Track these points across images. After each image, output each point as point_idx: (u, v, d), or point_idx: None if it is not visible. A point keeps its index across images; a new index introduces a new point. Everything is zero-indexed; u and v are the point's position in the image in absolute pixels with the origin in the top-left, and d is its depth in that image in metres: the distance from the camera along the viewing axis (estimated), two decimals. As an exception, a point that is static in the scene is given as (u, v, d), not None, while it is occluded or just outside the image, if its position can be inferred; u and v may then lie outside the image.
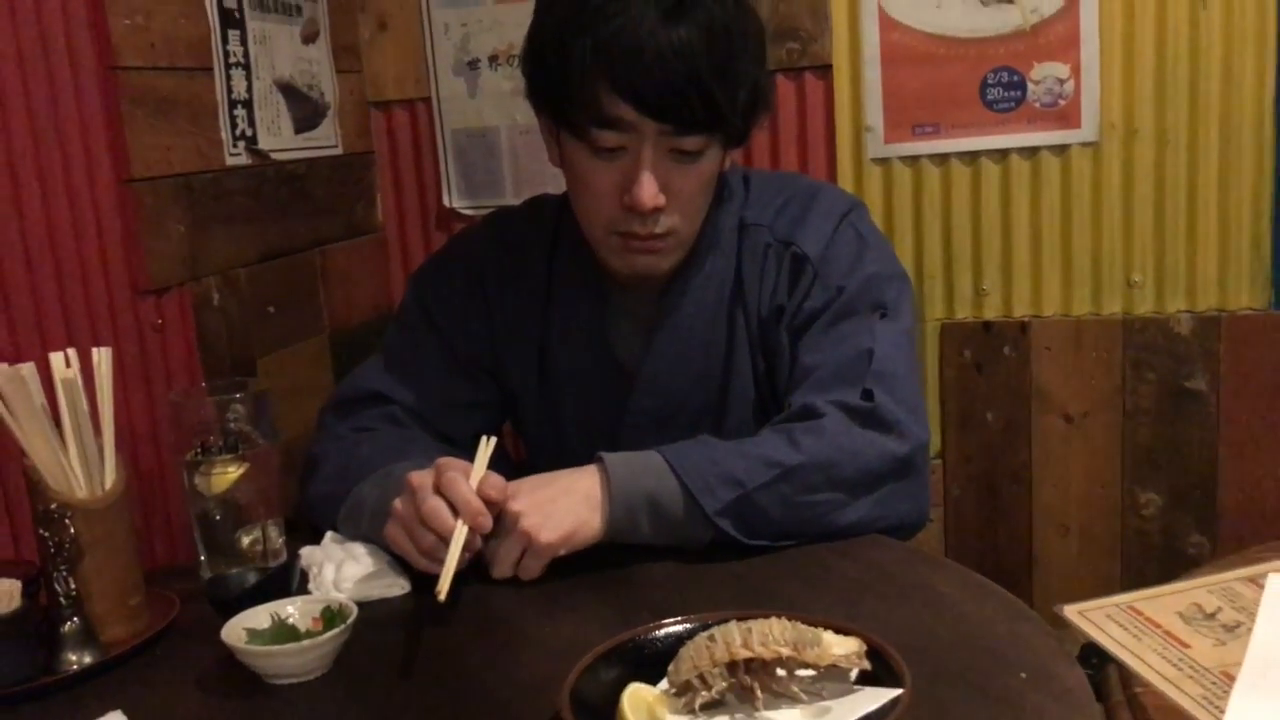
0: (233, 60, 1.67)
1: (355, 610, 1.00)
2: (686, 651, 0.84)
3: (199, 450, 1.15)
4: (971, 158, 1.94)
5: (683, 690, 0.83)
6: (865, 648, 0.84)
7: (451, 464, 1.09)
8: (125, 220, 1.44)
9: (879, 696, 0.81)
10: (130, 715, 0.91)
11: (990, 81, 1.90)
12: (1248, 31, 1.80)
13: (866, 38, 1.92)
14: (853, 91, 1.95)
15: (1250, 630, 0.93)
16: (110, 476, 1.09)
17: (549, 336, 1.38)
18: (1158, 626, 0.97)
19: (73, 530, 1.04)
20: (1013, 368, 1.97)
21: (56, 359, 1.08)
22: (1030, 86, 1.89)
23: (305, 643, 0.96)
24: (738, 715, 0.83)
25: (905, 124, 1.94)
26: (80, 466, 1.07)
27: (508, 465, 1.41)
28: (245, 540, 1.17)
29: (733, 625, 0.84)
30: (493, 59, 2.08)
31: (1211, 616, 0.98)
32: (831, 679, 0.85)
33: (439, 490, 1.07)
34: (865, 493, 1.17)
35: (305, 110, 1.88)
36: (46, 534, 1.04)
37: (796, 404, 1.21)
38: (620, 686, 0.83)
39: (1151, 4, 1.83)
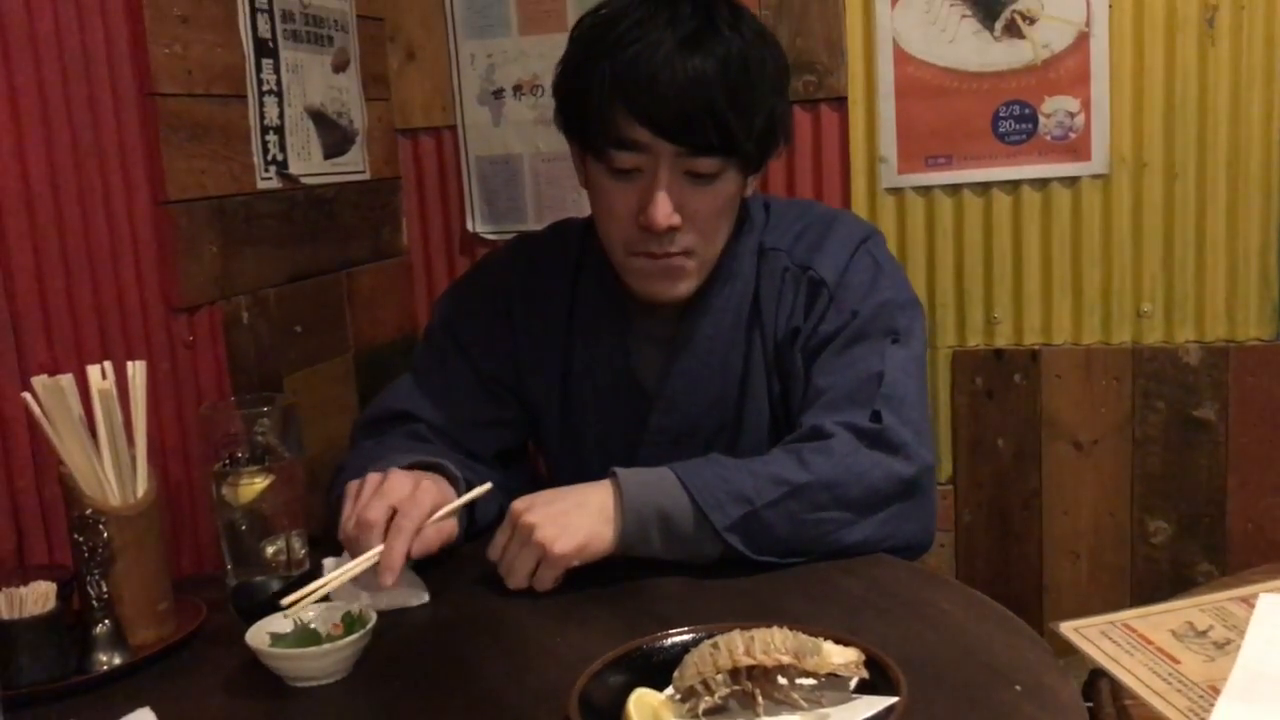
0: (266, 88, 1.72)
1: (374, 617, 1.03)
2: (691, 658, 0.87)
3: (227, 462, 1.19)
4: (983, 189, 1.97)
5: (687, 696, 0.86)
6: (864, 657, 0.87)
7: (417, 504, 1.14)
8: (160, 241, 1.49)
9: (876, 704, 0.84)
10: (158, 714, 0.95)
11: (1002, 114, 1.93)
12: (1255, 67, 1.83)
13: (881, 71, 1.96)
14: (867, 123, 1.99)
15: (1240, 648, 0.96)
16: (142, 485, 1.13)
17: (571, 357, 1.42)
18: (1150, 643, 0.99)
19: (105, 536, 1.07)
20: (1023, 395, 1.99)
21: (93, 372, 1.12)
22: (1041, 120, 1.92)
23: (326, 646, 1.00)
24: (739, 720, 0.86)
25: (919, 155, 1.98)
26: (114, 475, 1.11)
27: (530, 480, 1.45)
28: (269, 550, 1.20)
29: (735, 633, 0.86)
30: (517, 89, 2.13)
31: (1203, 634, 1.00)
32: (831, 687, 0.88)
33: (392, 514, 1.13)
34: (871, 513, 1.19)
35: (335, 136, 1.93)
36: (80, 539, 1.07)
37: (807, 425, 1.24)
38: (627, 692, 0.86)
39: (1161, 39, 1.86)
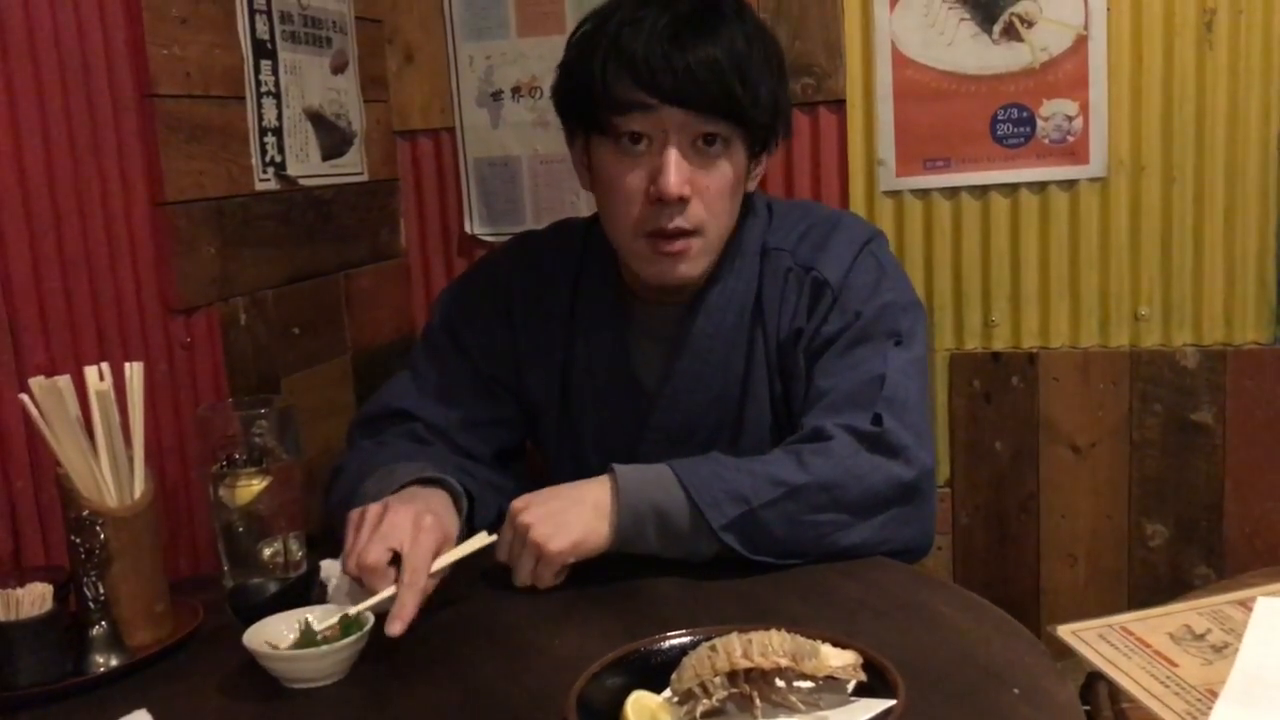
0: (264, 89, 1.72)
1: (372, 619, 1.03)
2: (689, 661, 0.87)
3: (224, 463, 1.19)
4: (981, 192, 1.97)
5: (685, 698, 0.86)
6: (862, 660, 0.87)
7: (420, 549, 1.09)
8: (158, 242, 1.49)
9: (874, 707, 0.84)
10: (155, 715, 0.95)
11: (1000, 118, 1.94)
12: (1253, 71, 1.84)
13: (880, 74, 1.97)
14: (865, 126, 1.99)
15: (1237, 651, 0.96)
16: (139, 486, 1.13)
17: (572, 356, 1.42)
18: (1148, 646, 0.99)
19: (103, 537, 1.08)
20: (1021, 398, 2.00)
21: (91, 373, 1.12)
22: (1039, 123, 1.92)
23: (323, 649, 1.00)
24: (737, 723, 0.86)
25: (917, 158, 1.98)
26: (111, 476, 1.11)
27: (528, 480, 1.45)
28: (267, 552, 1.20)
29: (734, 636, 0.86)
30: (515, 90, 2.13)
31: (1201, 637, 1.00)
32: (829, 690, 0.88)
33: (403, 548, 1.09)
34: (869, 515, 1.19)
35: (333, 138, 1.93)
36: (77, 540, 1.07)
37: (808, 426, 1.25)
38: (625, 694, 0.86)
39: (1159, 43, 1.87)
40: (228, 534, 1.20)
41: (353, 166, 2.01)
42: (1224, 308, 1.91)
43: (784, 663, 0.85)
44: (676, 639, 0.95)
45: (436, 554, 1.11)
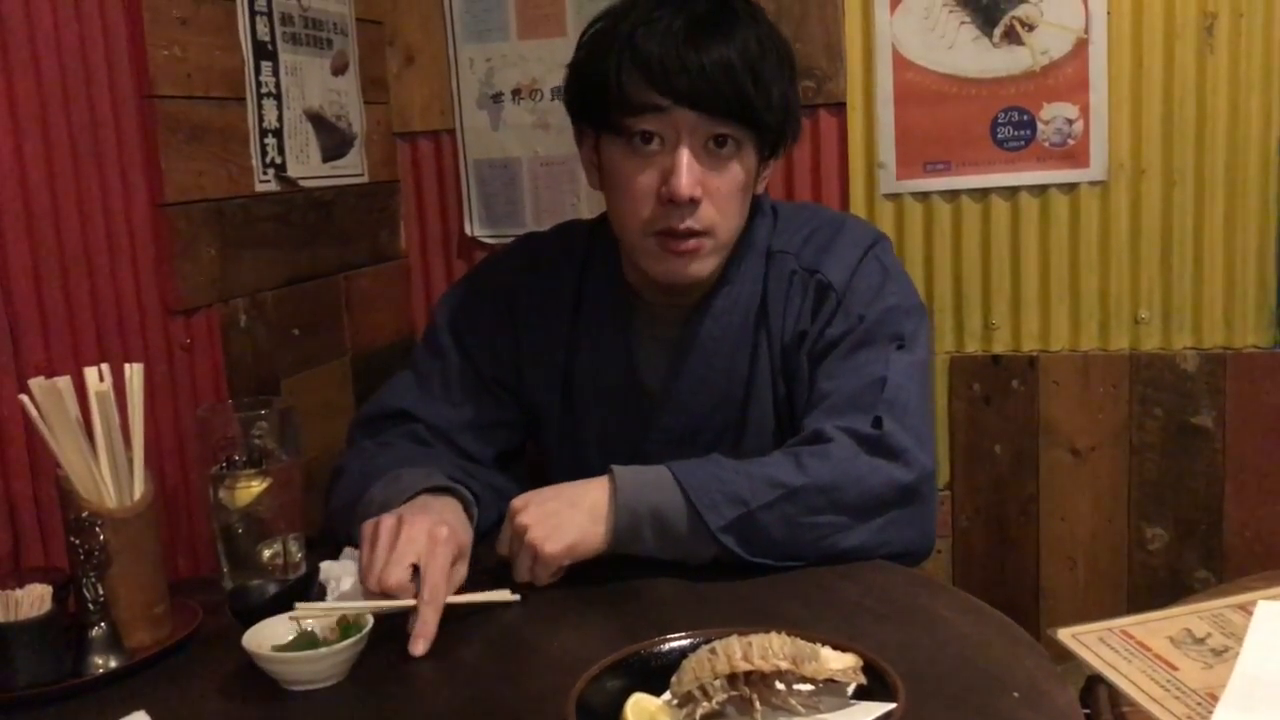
0: (265, 90, 1.72)
1: (371, 621, 1.04)
2: (688, 663, 0.87)
3: (224, 465, 1.19)
4: (982, 195, 1.97)
5: (684, 701, 0.86)
6: (862, 663, 0.87)
7: (438, 562, 1.09)
8: (158, 243, 1.49)
9: (874, 710, 0.84)
10: (154, 717, 0.95)
11: (1001, 121, 1.94)
12: (1254, 75, 1.84)
13: (880, 77, 1.97)
14: (866, 128, 1.99)
15: (1238, 655, 0.96)
16: (139, 488, 1.13)
17: (575, 357, 1.42)
18: (1148, 650, 0.99)
19: (102, 538, 1.07)
20: (1021, 401, 2.00)
21: (90, 374, 1.12)
22: (1040, 126, 1.92)
23: (322, 650, 1.00)
24: (736, 725, 0.86)
25: (917, 161, 1.98)
26: (111, 477, 1.11)
27: (528, 482, 1.45)
28: (266, 553, 1.20)
29: (733, 639, 0.87)
30: (515, 93, 2.13)
31: (1201, 641, 1.00)
32: (829, 693, 0.88)
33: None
34: (868, 518, 1.19)
35: (333, 140, 1.93)
36: (77, 541, 1.07)
37: (809, 428, 1.25)
38: (625, 697, 0.87)
39: (1159, 47, 1.87)
40: (227, 535, 1.19)
41: (353, 168, 2.01)
42: (1224, 311, 1.91)
43: (784, 665, 0.85)
44: (676, 641, 0.95)
45: (453, 565, 1.12)
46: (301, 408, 1.55)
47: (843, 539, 1.18)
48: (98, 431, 1.10)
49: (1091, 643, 1.01)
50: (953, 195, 1.98)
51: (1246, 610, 1.05)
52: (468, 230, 2.20)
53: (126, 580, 1.09)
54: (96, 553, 1.07)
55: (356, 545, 1.18)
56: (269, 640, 1.02)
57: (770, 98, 1.25)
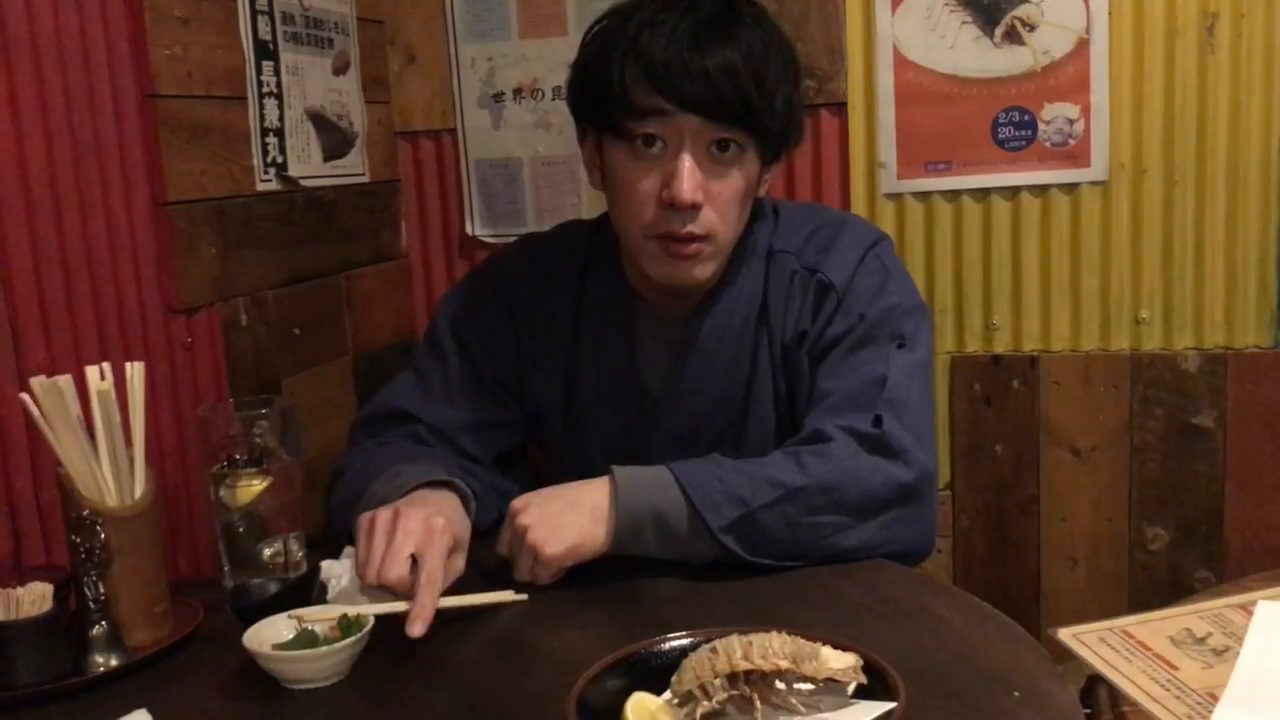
0: (266, 90, 1.72)
1: (372, 620, 1.04)
2: (689, 663, 0.87)
3: (225, 464, 1.19)
4: (983, 195, 1.97)
5: (684, 700, 0.86)
6: (862, 663, 0.87)
7: (435, 548, 1.09)
8: (159, 242, 1.49)
9: (874, 709, 0.84)
10: (155, 715, 0.95)
11: (1002, 121, 1.94)
12: (1255, 75, 1.84)
13: (881, 77, 1.97)
14: (867, 128, 1.99)
15: (1238, 654, 0.96)
16: (140, 486, 1.13)
17: (576, 358, 1.42)
18: (1148, 649, 0.99)
19: (103, 537, 1.07)
20: (1022, 401, 2.00)
21: (92, 373, 1.12)
22: (1041, 126, 1.92)
23: (323, 649, 1.00)
24: (737, 725, 0.86)
25: (918, 161, 1.98)
26: (112, 476, 1.11)
27: (528, 482, 1.45)
28: (267, 552, 1.20)
29: (734, 638, 0.86)
30: (517, 92, 2.13)
31: (1201, 641, 1.00)
32: (829, 692, 0.88)
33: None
34: (869, 517, 1.19)
35: (334, 139, 1.93)
36: (78, 540, 1.07)
37: (809, 427, 1.25)
38: (625, 696, 0.86)
39: (1160, 47, 1.87)
40: (228, 534, 1.19)
41: (354, 167, 2.01)
42: (1225, 311, 1.91)
43: (784, 665, 0.85)
44: (677, 641, 0.95)
45: (451, 556, 1.12)
46: (302, 407, 1.55)
47: (843, 538, 1.18)
48: (99, 430, 1.10)
49: (1092, 642, 1.01)
50: (954, 195, 1.98)
51: (1247, 610, 1.05)
52: (469, 230, 2.20)
53: (127, 579, 1.09)
54: (97, 551, 1.07)
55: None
56: (269, 639, 1.03)
57: (774, 103, 1.25)
